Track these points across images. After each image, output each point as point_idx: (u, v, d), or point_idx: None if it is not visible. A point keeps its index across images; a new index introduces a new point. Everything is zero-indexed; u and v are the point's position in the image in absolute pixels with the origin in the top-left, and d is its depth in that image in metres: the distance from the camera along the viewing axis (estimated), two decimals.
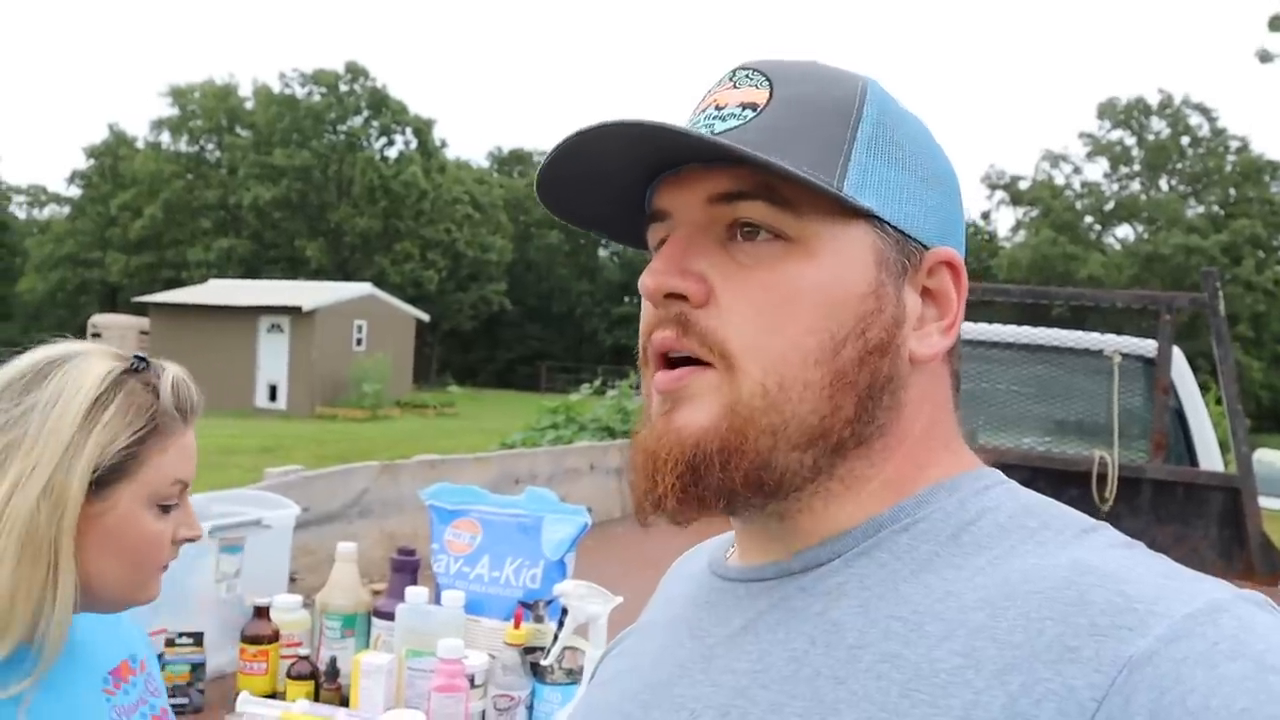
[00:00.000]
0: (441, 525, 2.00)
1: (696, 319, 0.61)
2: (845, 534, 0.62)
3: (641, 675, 0.70)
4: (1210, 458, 4.63)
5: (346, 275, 37.23)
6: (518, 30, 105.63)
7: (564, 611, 1.56)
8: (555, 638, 1.57)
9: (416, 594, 1.85)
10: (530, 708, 1.76)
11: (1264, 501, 4.41)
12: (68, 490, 1.00)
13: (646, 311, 0.64)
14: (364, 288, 27.70)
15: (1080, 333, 4.54)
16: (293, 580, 2.36)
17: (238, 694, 1.84)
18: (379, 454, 15.75)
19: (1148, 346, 4.66)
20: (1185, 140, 42.68)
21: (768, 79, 0.64)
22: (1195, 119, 42.71)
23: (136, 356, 1.12)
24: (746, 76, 0.65)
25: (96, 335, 28.26)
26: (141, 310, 27.56)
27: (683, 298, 0.61)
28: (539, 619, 1.86)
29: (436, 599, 1.93)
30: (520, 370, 47.07)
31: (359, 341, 26.09)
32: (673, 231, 0.64)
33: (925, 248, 0.64)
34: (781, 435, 0.60)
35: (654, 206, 0.66)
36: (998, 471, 0.66)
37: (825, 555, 0.62)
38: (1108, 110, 43.49)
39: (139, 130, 55.09)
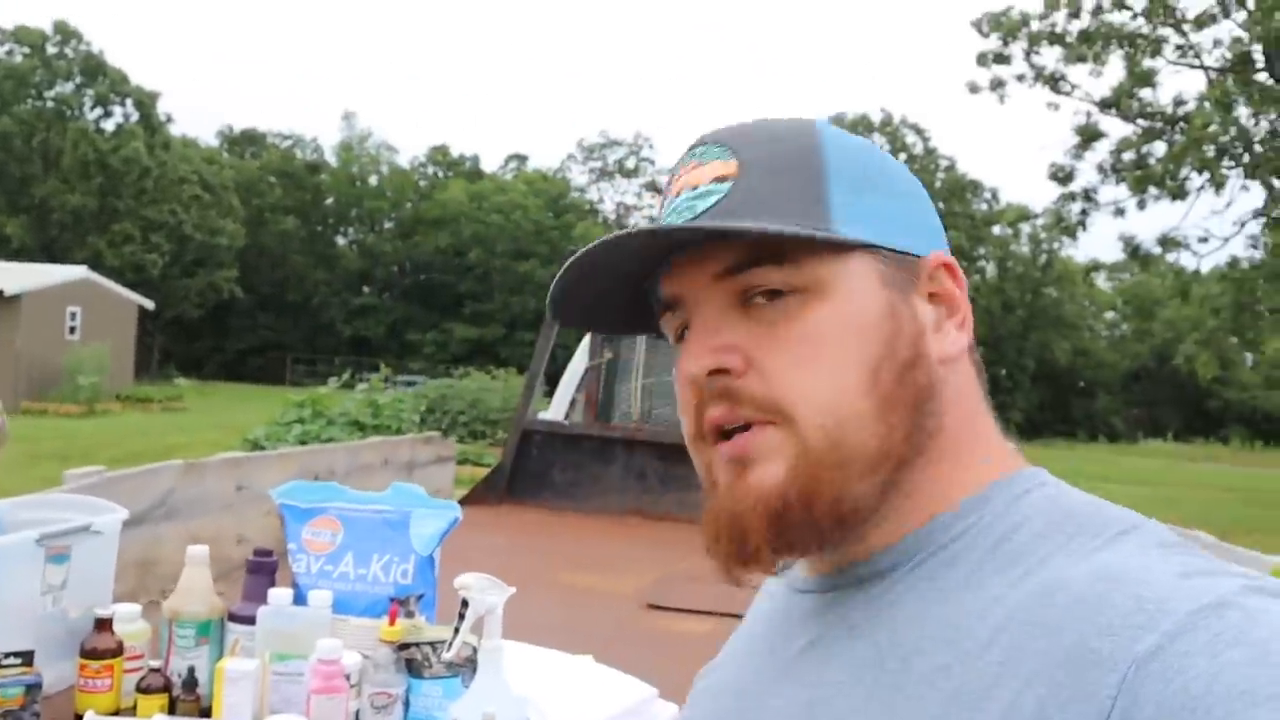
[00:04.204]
0: (297, 524, 1.92)
1: (741, 388, 0.64)
2: (900, 543, 0.66)
3: (730, 689, 0.74)
4: None
5: (54, 256, 33.84)
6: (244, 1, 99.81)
7: (464, 604, 1.55)
8: (456, 630, 1.55)
9: (280, 595, 1.77)
10: (406, 704, 1.74)
11: None
12: None
13: (689, 393, 0.67)
14: (78, 271, 25.32)
15: None
16: None
17: (79, 714, 1.70)
18: (103, 452, 14.52)
19: None
20: (902, 156, 46.52)
21: (729, 148, 0.67)
22: (911, 138, 46.75)
23: None
24: (707, 151, 0.68)
25: None
26: None
27: (725, 371, 0.64)
28: (410, 614, 1.84)
29: (295, 601, 1.85)
30: (251, 362, 44.62)
31: (73, 330, 23.85)
32: (691, 314, 0.67)
33: (918, 257, 0.69)
34: (850, 468, 0.63)
35: (664, 298, 0.69)
36: (1040, 470, 0.69)
37: (883, 567, 0.66)
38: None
39: None
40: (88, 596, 1.89)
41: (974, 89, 19.08)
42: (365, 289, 49.32)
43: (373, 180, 51.48)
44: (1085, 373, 49.73)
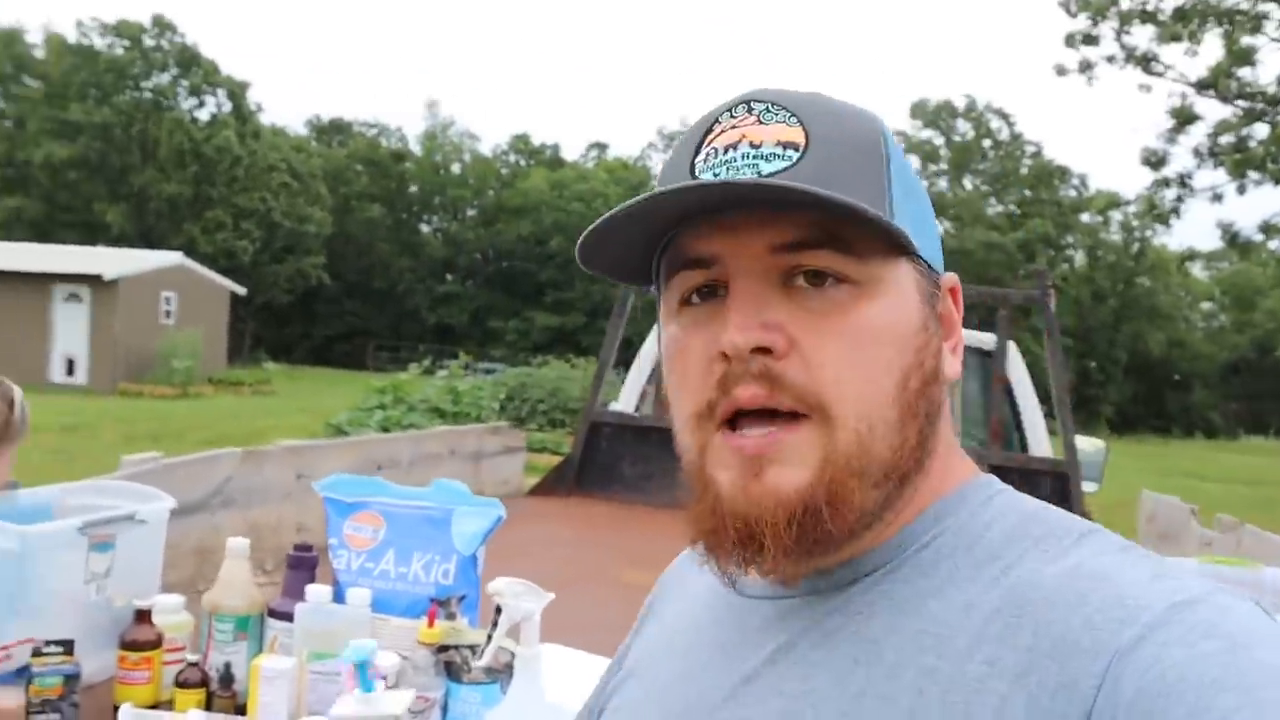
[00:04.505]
0: (339, 519, 1.89)
1: (783, 372, 0.61)
2: (871, 552, 0.64)
3: (674, 700, 0.69)
4: (1040, 444, 4.95)
5: (151, 243, 34.93)
6: None
7: (498, 610, 1.49)
8: (489, 637, 1.50)
9: (319, 592, 1.74)
10: (445, 708, 1.69)
11: (1082, 485, 4.74)
12: None
13: (708, 368, 0.63)
14: (173, 257, 26.04)
15: None
16: None
17: (117, 706, 1.69)
18: (194, 434, 14.94)
19: (983, 339, 4.93)
20: (987, 143, 45.42)
21: (793, 114, 0.64)
22: (996, 123, 45.56)
23: None
24: (768, 111, 0.64)
25: None
26: None
27: (767, 351, 0.61)
28: (451, 616, 1.79)
29: (334, 597, 1.82)
30: (338, 347, 45.53)
31: (168, 314, 24.59)
32: (733, 281, 0.63)
33: (938, 274, 0.68)
34: (867, 476, 0.61)
35: (693, 253, 0.64)
36: (995, 478, 0.69)
37: (853, 574, 0.64)
38: (919, 110, 45.75)
39: None
40: (133, 586, 1.88)
41: (1061, 71, 18.45)
42: (448, 276, 49.91)
43: (455, 169, 52.03)
44: (1181, 365, 47.94)
